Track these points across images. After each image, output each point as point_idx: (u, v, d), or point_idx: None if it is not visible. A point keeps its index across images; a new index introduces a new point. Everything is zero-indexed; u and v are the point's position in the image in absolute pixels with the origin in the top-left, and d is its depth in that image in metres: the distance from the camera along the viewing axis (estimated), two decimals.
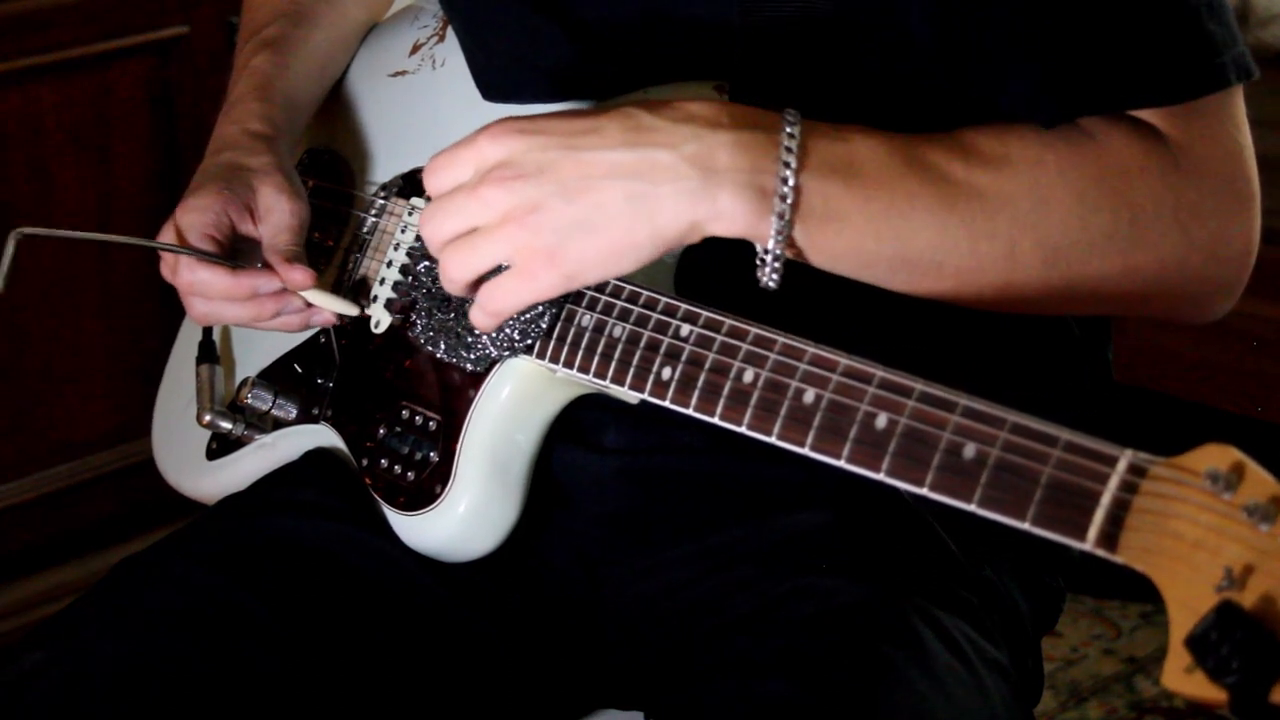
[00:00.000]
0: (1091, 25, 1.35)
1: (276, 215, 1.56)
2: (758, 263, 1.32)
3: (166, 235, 1.56)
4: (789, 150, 1.30)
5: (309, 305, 1.56)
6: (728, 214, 1.30)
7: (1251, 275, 1.41)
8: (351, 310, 1.57)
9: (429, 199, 1.52)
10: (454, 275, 1.35)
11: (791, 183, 1.30)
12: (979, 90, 1.39)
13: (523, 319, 1.41)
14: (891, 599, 1.40)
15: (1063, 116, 1.36)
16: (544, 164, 1.31)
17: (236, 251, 1.56)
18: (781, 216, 1.30)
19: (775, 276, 1.31)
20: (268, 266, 1.55)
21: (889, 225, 1.32)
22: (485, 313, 1.36)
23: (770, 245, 1.31)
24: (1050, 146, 1.35)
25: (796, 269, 1.34)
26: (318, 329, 1.61)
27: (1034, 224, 1.33)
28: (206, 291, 1.55)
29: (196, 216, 1.55)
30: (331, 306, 1.57)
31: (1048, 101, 1.36)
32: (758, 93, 1.39)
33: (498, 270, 1.34)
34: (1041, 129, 1.36)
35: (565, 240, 1.30)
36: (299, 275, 1.54)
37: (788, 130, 1.31)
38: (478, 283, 1.36)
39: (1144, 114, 1.36)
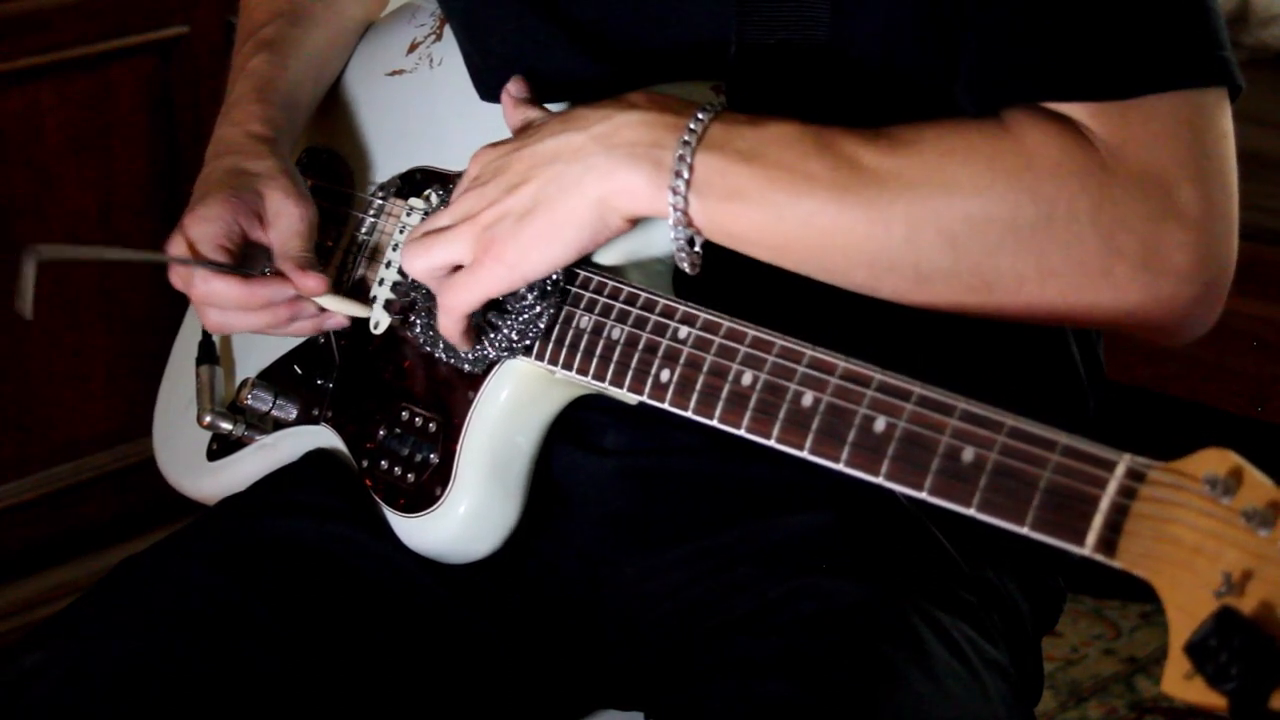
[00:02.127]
0: (1039, 19, 1.34)
1: (286, 221, 1.56)
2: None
3: (177, 246, 1.56)
4: (692, 130, 1.33)
5: (322, 309, 1.56)
6: (627, 188, 1.34)
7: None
8: (364, 313, 1.57)
9: (426, 197, 1.53)
10: (410, 268, 1.42)
11: (688, 159, 1.33)
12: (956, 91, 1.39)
13: (521, 319, 1.41)
14: (891, 600, 1.40)
15: (985, 104, 1.35)
16: (500, 167, 1.39)
17: (246, 257, 1.56)
18: (675, 191, 1.33)
19: (684, 256, 1.35)
20: (278, 272, 1.55)
21: (789, 206, 1.33)
22: (443, 310, 1.41)
23: (670, 221, 1.34)
24: (963, 136, 1.34)
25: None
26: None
27: (933, 211, 1.32)
28: (221, 302, 1.55)
29: (208, 227, 1.55)
30: (344, 310, 1.57)
31: (981, 91, 1.36)
32: (751, 101, 1.40)
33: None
34: (963, 121, 1.35)
35: (505, 230, 1.37)
36: (312, 282, 1.54)
37: (699, 115, 1.34)
38: None
39: (1076, 113, 1.33)
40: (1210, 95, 1.34)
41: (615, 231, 1.36)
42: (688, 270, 1.35)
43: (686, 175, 1.33)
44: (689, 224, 1.34)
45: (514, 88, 1.47)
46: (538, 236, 1.36)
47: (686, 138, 1.33)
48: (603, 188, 1.34)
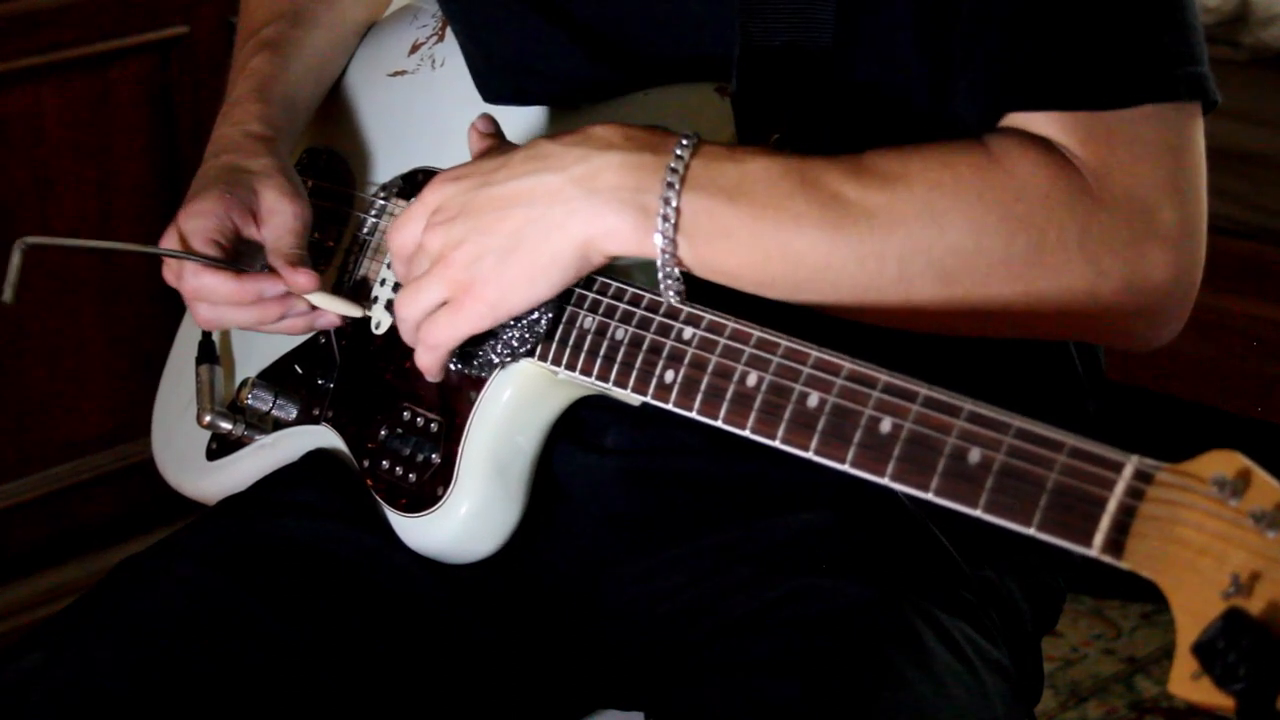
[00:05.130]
0: (1032, 30, 1.35)
1: (279, 218, 1.56)
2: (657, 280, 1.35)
3: (170, 240, 1.56)
4: (674, 171, 1.33)
5: (313, 308, 1.56)
6: (615, 232, 1.34)
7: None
8: (356, 312, 1.57)
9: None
10: (402, 315, 1.42)
11: (674, 203, 1.33)
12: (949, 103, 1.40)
13: (521, 324, 1.41)
14: (892, 600, 1.40)
15: (990, 114, 1.37)
16: (465, 204, 1.38)
17: (239, 255, 1.56)
18: (665, 235, 1.33)
19: (671, 293, 1.35)
20: (271, 270, 1.55)
21: (776, 244, 1.34)
22: (425, 347, 1.42)
23: (659, 263, 1.34)
24: (950, 167, 1.34)
25: None
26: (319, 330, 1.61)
27: (926, 245, 1.33)
28: (211, 297, 1.55)
29: (200, 222, 1.55)
30: (336, 309, 1.57)
31: (979, 101, 1.37)
32: (756, 106, 1.40)
33: None
34: (946, 151, 1.35)
35: (484, 271, 1.37)
36: (303, 279, 1.54)
37: (677, 152, 1.34)
38: None
39: (1064, 138, 1.35)
40: (1186, 111, 1.36)
41: (597, 266, 1.37)
42: (673, 300, 1.35)
43: (674, 219, 1.33)
44: (678, 263, 1.34)
45: (481, 124, 1.47)
46: (519, 277, 1.36)
47: (670, 179, 1.33)
48: (587, 232, 1.35)
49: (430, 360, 1.42)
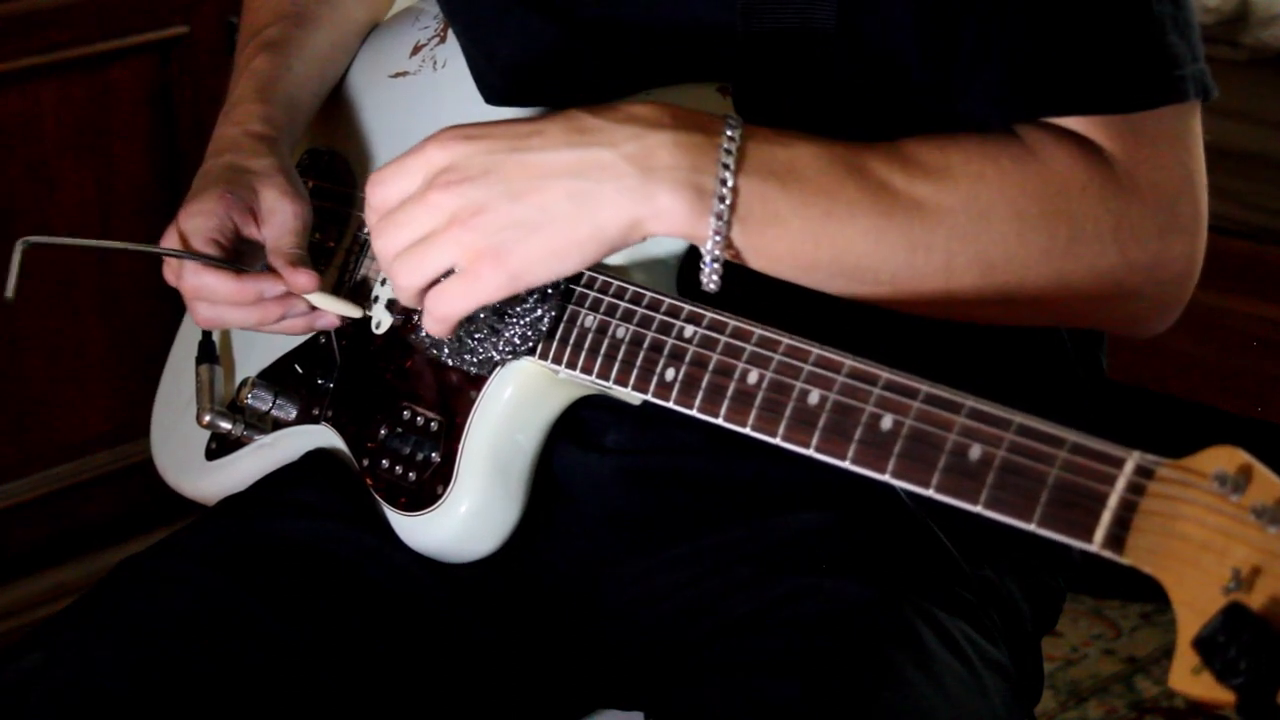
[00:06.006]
0: (1055, 32, 1.36)
1: (279, 218, 1.56)
2: (699, 265, 1.33)
3: (170, 240, 1.56)
4: (728, 152, 1.31)
5: (313, 308, 1.56)
6: (667, 213, 1.31)
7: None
8: (356, 313, 1.57)
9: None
10: (404, 284, 1.36)
11: (730, 184, 1.31)
12: (960, 101, 1.40)
13: (523, 322, 1.41)
14: (892, 599, 1.41)
15: (1016, 118, 1.37)
16: (489, 166, 1.33)
17: (240, 254, 1.56)
18: (720, 217, 1.31)
19: (715, 278, 1.33)
20: (271, 269, 1.55)
21: (827, 231, 1.33)
22: (434, 318, 1.37)
23: (709, 246, 1.32)
24: (993, 161, 1.35)
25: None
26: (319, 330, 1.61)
27: (972, 238, 1.34)
28: (211, 296, 1.55)
29: (200, 221, 1.55)
30: (336, 309, 1.57)
31: (1004, 104, 1.37)
32: (757, 96, 1.40)
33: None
34: (985, 142, 1.36)
35: (510, 240, 1.32)
36: (304, 279, 1.54)
37: (728, 133, 1.32)
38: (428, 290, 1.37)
39: (1093, 133, 1.36)
40: (1192, 107, 1.38)
41: (628, 245, 1.34)
42: (713, 289, 1.33)
43: (730, 200, 1.31)
44: (727, 245, 1.32)
45: None
46: (549, 250, 1.32)
47: (725, 160, 1.31)
48: (639, 211, 1.31)
49: (440, 330, 1.38)
